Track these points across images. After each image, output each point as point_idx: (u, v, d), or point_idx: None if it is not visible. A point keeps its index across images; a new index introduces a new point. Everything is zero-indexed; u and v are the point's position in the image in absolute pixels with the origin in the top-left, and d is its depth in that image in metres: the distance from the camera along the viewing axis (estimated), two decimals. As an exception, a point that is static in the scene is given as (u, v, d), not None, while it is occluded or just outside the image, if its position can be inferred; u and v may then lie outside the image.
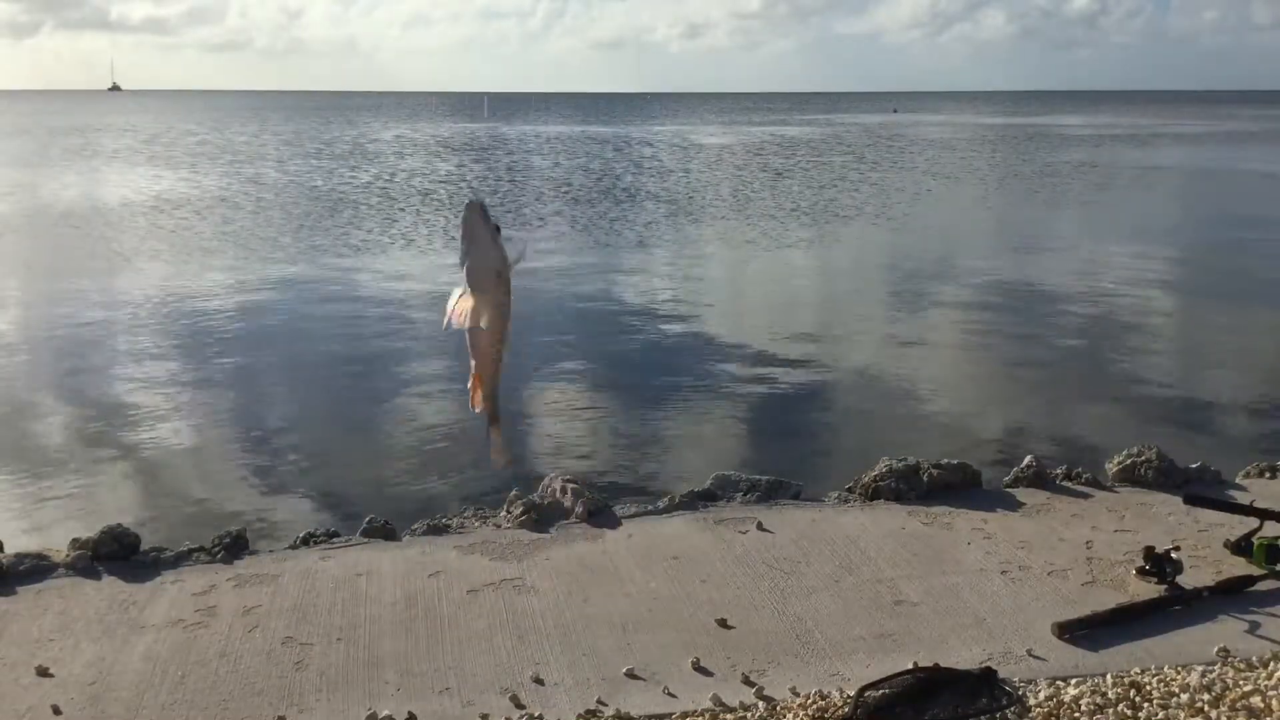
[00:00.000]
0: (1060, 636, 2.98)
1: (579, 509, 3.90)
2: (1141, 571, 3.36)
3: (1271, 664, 2.85)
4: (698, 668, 2.86)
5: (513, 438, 6.32)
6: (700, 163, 31.07)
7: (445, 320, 1.82)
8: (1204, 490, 4.10)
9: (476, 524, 3.87)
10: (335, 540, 3.75)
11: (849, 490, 4.19)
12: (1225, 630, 3.06)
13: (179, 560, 3.58)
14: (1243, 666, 2.85)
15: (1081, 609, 3.16)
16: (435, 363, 7.91)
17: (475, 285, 1.88)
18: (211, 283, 11.67)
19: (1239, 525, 3.81)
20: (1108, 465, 4.36)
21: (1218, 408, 7.06)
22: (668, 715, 2.65)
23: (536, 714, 2.66)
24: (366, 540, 3.74)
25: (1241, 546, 3.47)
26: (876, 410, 7.03)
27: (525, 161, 31.56)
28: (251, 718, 2.66)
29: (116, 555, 3.56)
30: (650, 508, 4.02)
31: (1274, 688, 2.72)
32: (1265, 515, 3.48)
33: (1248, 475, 4.39)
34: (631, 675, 2.81)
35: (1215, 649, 2.94)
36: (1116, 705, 2.65)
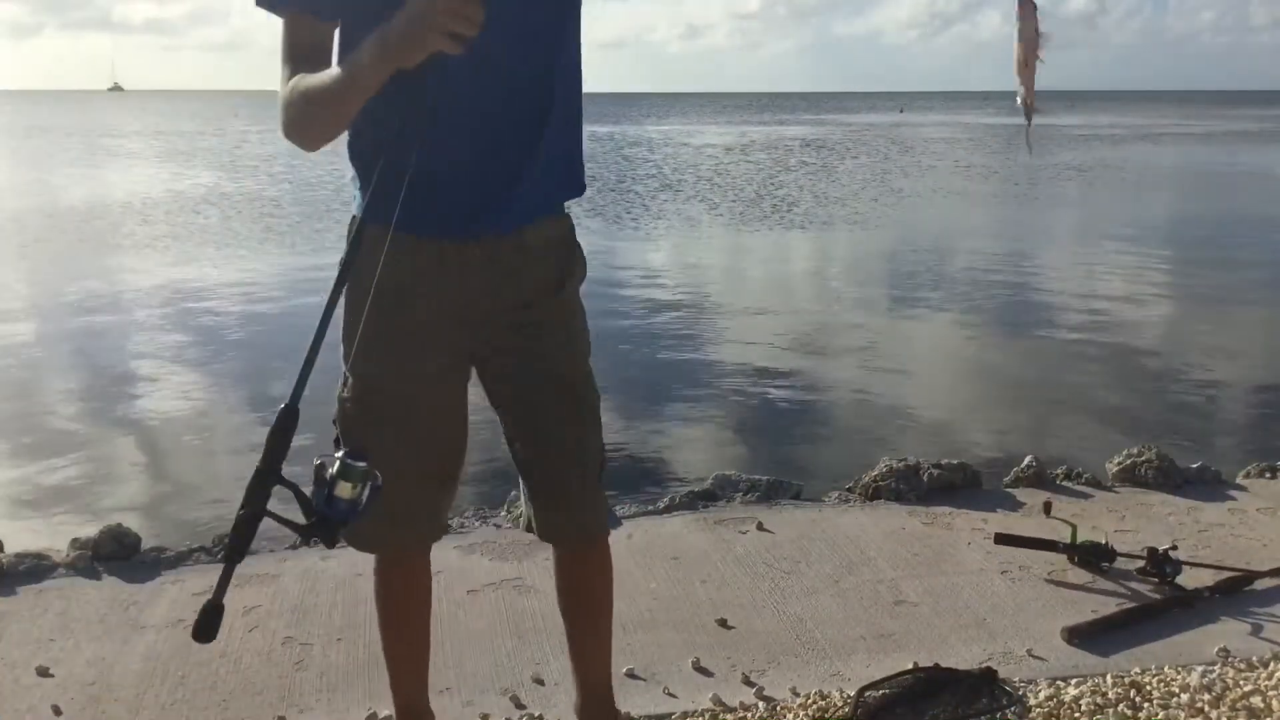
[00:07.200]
0: (1070, 641, 2.98)
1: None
2: (1142, 572, 3.36)
3: (1272, 664, 2.85)
4: (698, 668, 2.86)
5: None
6: (708, 161, 31.08)
7: None
8: (1205, 485, 4.11)
9: (476, 524, 3.88)
10: (335, 540, 3.73)
11: (849, 490, 4.19)
12: (1225, 630, 3.06)
13: (179, 560, 3.57)
14: (1243, 667, 2.85)
15: (1082, 609, 3.16)
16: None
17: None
18: (213, 280, 11.68)
19: (1239, 525, 3.82)
20: (1108, 465, 4.36)
21: (1218, 408, 7.06)
22: (668, 715, 2.65)
23: (537, 714, 2.66)
24: (366, 540, 3.73)
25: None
26: (876, 410, 7.03)
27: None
28: (251, 718, 2.66)
29: (116, 555, 3.56)
30: (650, 508, 4.02)
31: (1274, 688, 2.72)
32: (1071, 550, 3.46)
33: (1248, 475, 4.39)
34: (631, 675, 2.81)
35: (1215, 649, 2.94)
36: (1117, 705, 2.65)
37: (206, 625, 1.77)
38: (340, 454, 1.73)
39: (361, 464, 1.74)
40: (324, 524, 1.72)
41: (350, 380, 2.12)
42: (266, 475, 1.67)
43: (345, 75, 1.79)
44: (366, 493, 1.74)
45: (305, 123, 1.88)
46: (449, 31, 1.66)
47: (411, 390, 2.09)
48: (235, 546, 1.69)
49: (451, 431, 2.19)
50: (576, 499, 2.25)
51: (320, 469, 1.72)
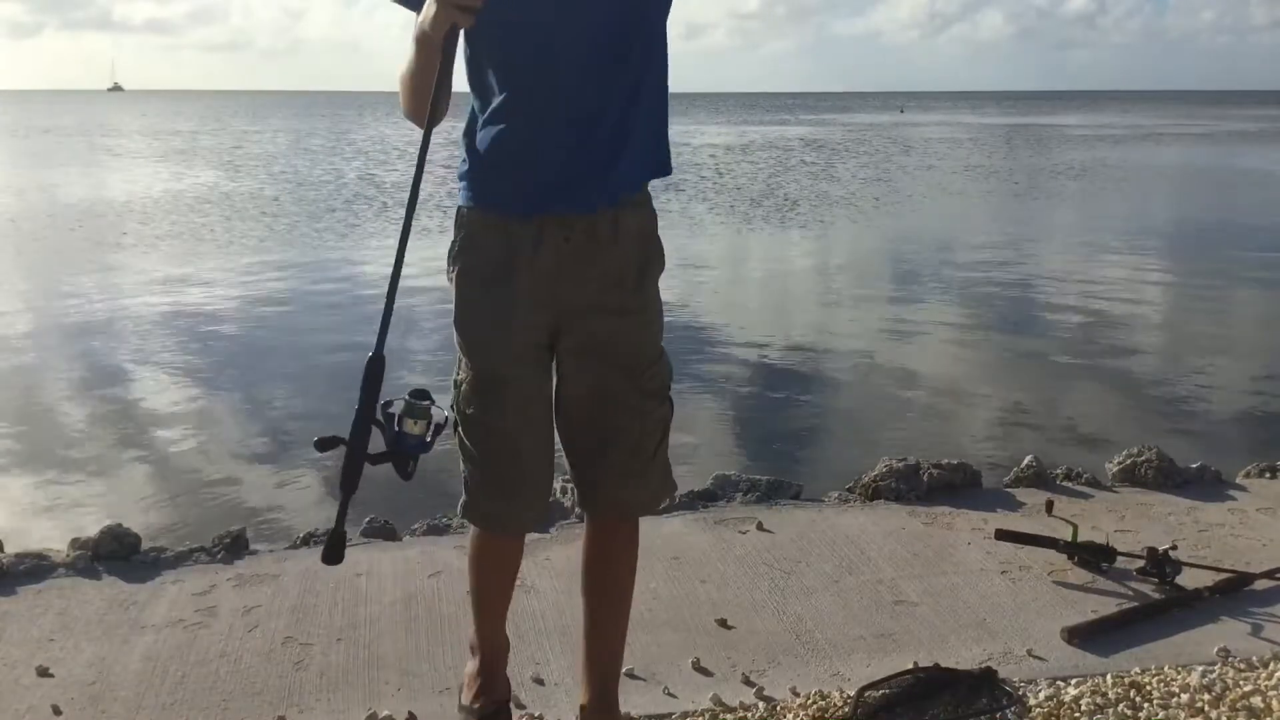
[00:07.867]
0: (1070, 642, 2.98)
1: (579, 509, 3.89)
2: (1142, 572, 3.36)
3: (1272, 664, 2.85)
4: (698, 668, 2.86)
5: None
6: (709, 160, 31.06)
7: None
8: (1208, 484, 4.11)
9: (476, 524, 3.86)
10: (335, 540, 3.74)
11: (849, 490, 4.19)
12: (1225, 630, 3.06)
13: (179, 560, 3.57)
14: (1243, 666, 2.84)
15: (1082, 609, 3.16)
16: (438, 359, 7.92)
17: None
18: (214, 280, 11.68)
19: (1239, 525, 3.82)
20: (1108, 465, 4.36)
21: (1218, 408, 7.06)
22: (668, 715, 2.65)
23: (537, 714, 2.66)
24: (367, 540, 3.74)
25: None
26: (876, 410, 7.03)
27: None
28: (251, 718, 2.66)
29: (116, 555, 3.55)
30: (650, 507, 4.01)
31: (1274, 688, 2.72)
32: (1074, 549, 3.45)
33: (1248, 475, 4.38)
34: (631, 675, 2.81)
35: (1215, 649, 2.94)
36: (1117, 705, 2.65)
37: (333, 549, 1.97)
38: (406, 395, 1.93)
39: (425, 403, 1.94)
40: (396, 456, 1.94)
41: (463, 362, 2.20)
42: (364, 417, 1.90)
43: (409, 56, 1.99)
44: (432, 430, 1.94)
45: (403, 101, 2.08)
46: (456, 4, 1.84)
47: (516, 370, 2.16)
48: (347, 479, 1.91)
49: (549, 411, 2.25)
50: (621, 477, 2.29)
51: (386, 406, 1.92)
